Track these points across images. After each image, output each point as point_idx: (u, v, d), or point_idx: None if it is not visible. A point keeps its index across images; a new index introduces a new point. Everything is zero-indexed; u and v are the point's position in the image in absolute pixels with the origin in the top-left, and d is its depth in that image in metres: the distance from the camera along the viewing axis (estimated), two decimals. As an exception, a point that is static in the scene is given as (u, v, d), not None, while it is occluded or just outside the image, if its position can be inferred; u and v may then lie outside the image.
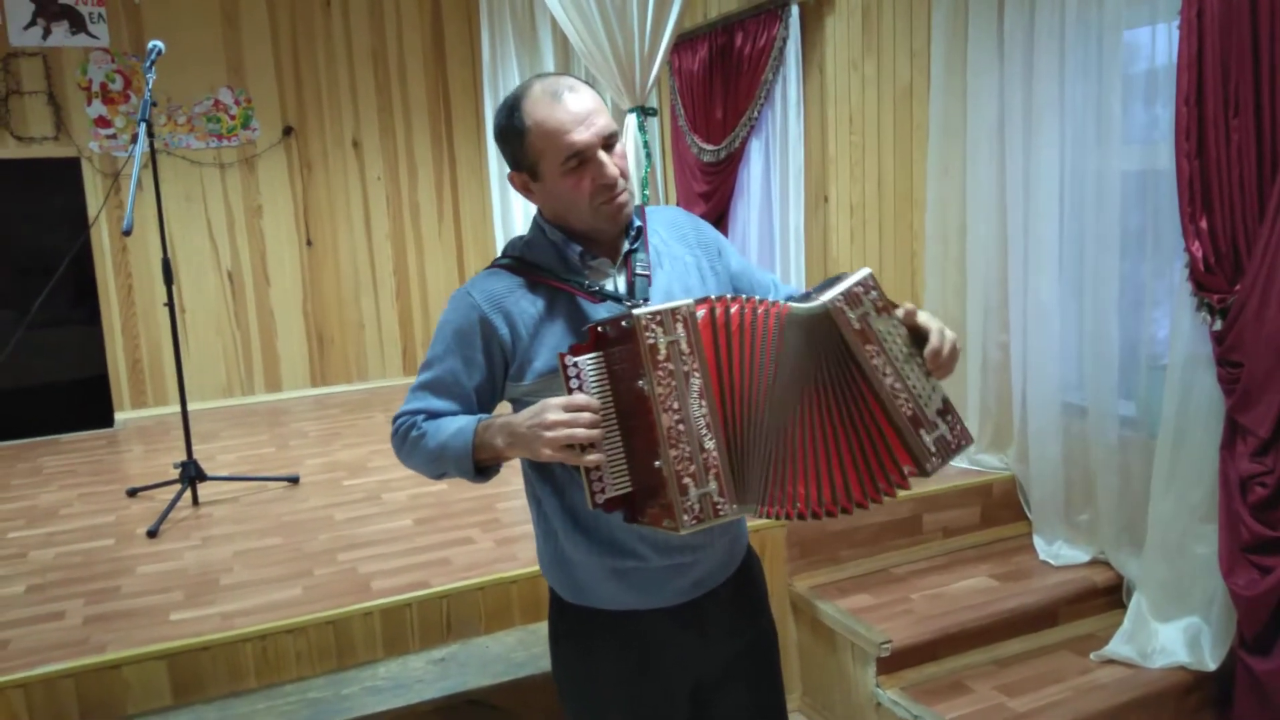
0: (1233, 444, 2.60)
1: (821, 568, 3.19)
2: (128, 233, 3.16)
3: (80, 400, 5.45)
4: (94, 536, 3.45)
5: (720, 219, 4.89)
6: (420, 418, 1.49)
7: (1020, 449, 3.37)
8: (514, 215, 5.80)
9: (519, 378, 1.47)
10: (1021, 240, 3.27)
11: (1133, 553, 3.03)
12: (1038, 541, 3.27)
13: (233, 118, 5.58)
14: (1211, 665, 2.71)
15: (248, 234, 5.75)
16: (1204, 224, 2.56)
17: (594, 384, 1.32)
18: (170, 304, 3.69)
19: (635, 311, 1.28)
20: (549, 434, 1.29)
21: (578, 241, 1.49)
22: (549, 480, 1.51)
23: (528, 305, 1.46)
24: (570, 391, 1.32)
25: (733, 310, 1.34)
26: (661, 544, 1.48)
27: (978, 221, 3.43)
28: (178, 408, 5.55)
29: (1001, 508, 3.42)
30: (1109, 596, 3.08)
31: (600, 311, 1.45)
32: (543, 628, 2.77)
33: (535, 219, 1.55)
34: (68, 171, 5.30)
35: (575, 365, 1.32)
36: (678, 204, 5.18)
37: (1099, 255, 3.03)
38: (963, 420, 1.39)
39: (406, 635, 2.71)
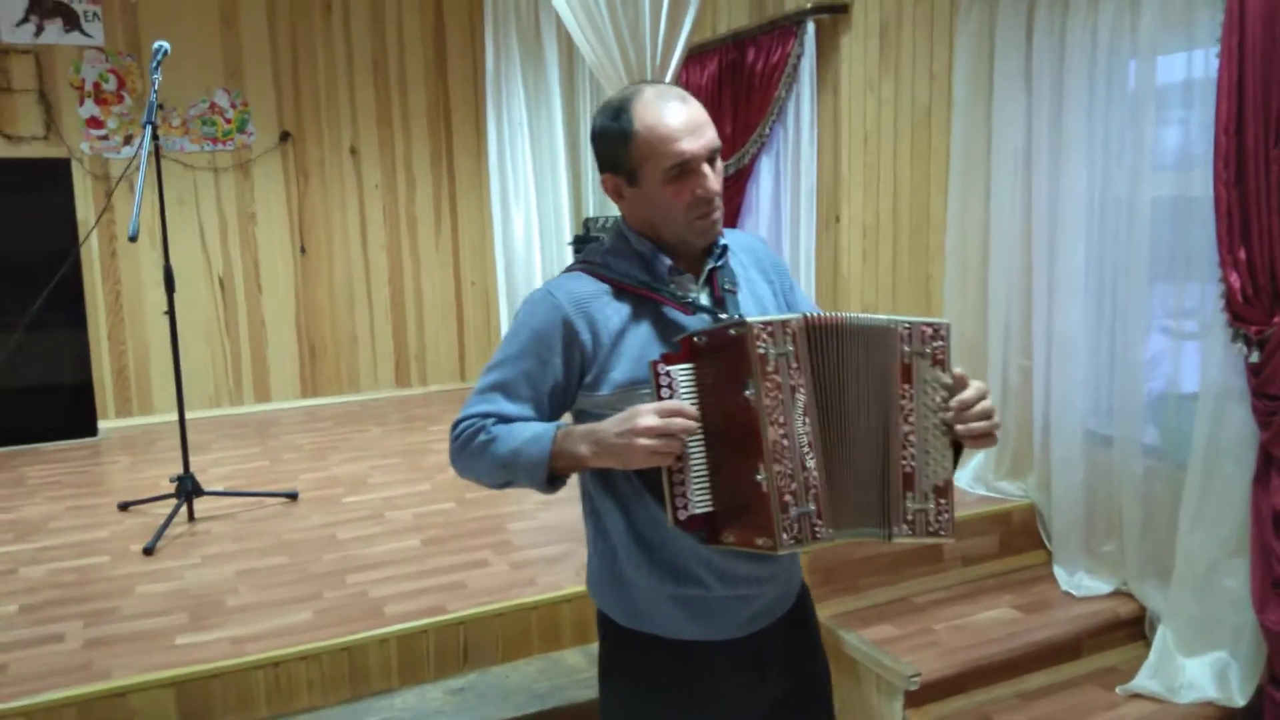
0: (1267, 477, 2.58)
1: (841, 596, 3.13)
2: (134, 238, 3.06)
3: (63, 408, 5.29)
4: (87, 553, 3.33)
5: (727, 236, 4.83)
6: (490, 421, 1.42)
7: (1041, 477, 3.33)
8: (514, 232, 5.73)
9: (594, 387, 1.40)
10: (1046, 265, 3.25)
11: (1158, 585, 2.99)
12: (1058, 571, 3.22)
13: (229, 121, 5.47)
14: (1240, 701, 2.68)
15: (240, 240, 5.63)
16: (1242, 254, 2.54)
17: (685, 395, 1.29)
18: (171, 312, 3.57)
19: (749, 319, 1.25)
20: (644, 441, 1.24)
21: (667, 254, 1.44)
22: (613, 496, 1.44)
23: (611, 313, 1.41)
24: (660, 399, 1.28)
25: (836, 327, 1.30)
26: (727, 573, 1.42)
27: (1001, 245, 3.40)
28: (164, 417, 5.46)
29: (1020, 536, 3.37)
30: (1132, 629, 3.04)
31: (692, 324, 1.40)
32: (564, 657, 2.71)
33: (618, 228, 1.50)
34: (57, 172, 5.16)
35: (668, 374, 1.28)
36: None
37: (1128, 282, 3.01)
38: (954, 515, 1.33)
39: (422, 663, 2.62)
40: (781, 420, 1.25)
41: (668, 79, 4.34)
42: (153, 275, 5.41)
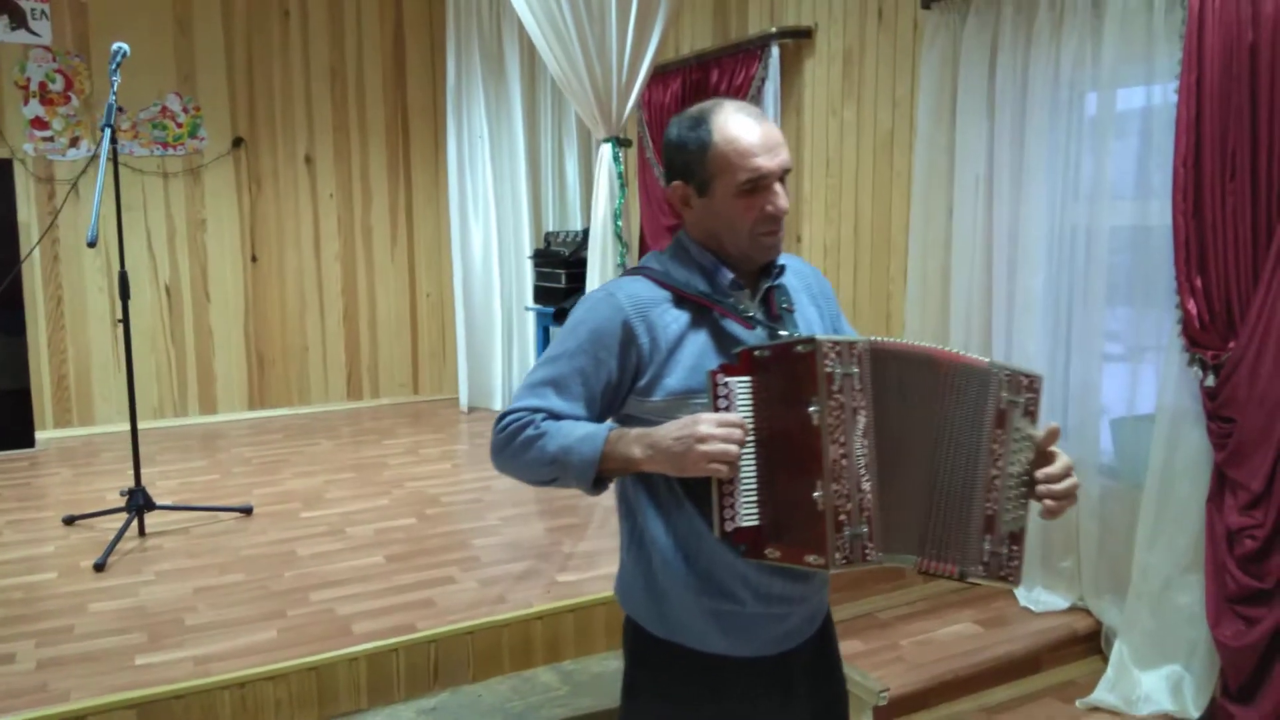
0: (1220, 497, 2.67)
1: (809, 612, 3.15)
2: (93, 244, 2.96)
3: (-2, 417, 5.09)
4: (33, 569, 3.20)
5: (689, 254, 4.87)
6: (540, 416, 1.41)
7: (1001, 495, 3.40)
8: (473, 245, 5.69)
9: (647, 392, 1.40)
10: (1006, 288, 3.33)
11: (1114, 600, 3.08)
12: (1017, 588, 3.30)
13: (180, 126, 5.34)
14: (1194, 713, 2.76)
15: (189, 247, 5.49)
16: (1199, 282, 2.64)
17: (741, 408, 1.30)
18: (125, 320, 3.46)
19: (818, 337, 1.26)
20: (703, 447, 1.25)
21: (727, 267, 1.45)
22: (654, 503, 1.44)
23: (670, 320, 1.41)
24: (718, 410, 1.29)
25: (900, 354, 1.32)
26: (762, 590, 1.42)
27: (962, 268, 3.48)
28: (104, 428, 5.29)
29: (981, 553, 3.44)
30: (1089, 643, 3.12)
31: (751, 338, 1.41)
32: (537, 675, 2.68)
33: (679, 239, 1.50)
34: (-2, 173, 4.98)
35: (727, 385, 1.30)
36: (642, 236, 5.15)
37: (1086, 306, 3.11)
38: (1023, 563, 1.36)
39: (392, 683, 2.57)
40: (842, 440, 1.26)
41: (632, 97, 4.37)
42: (96, 281, 5.25)
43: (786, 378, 1.28)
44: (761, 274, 1.48)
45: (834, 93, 4.11)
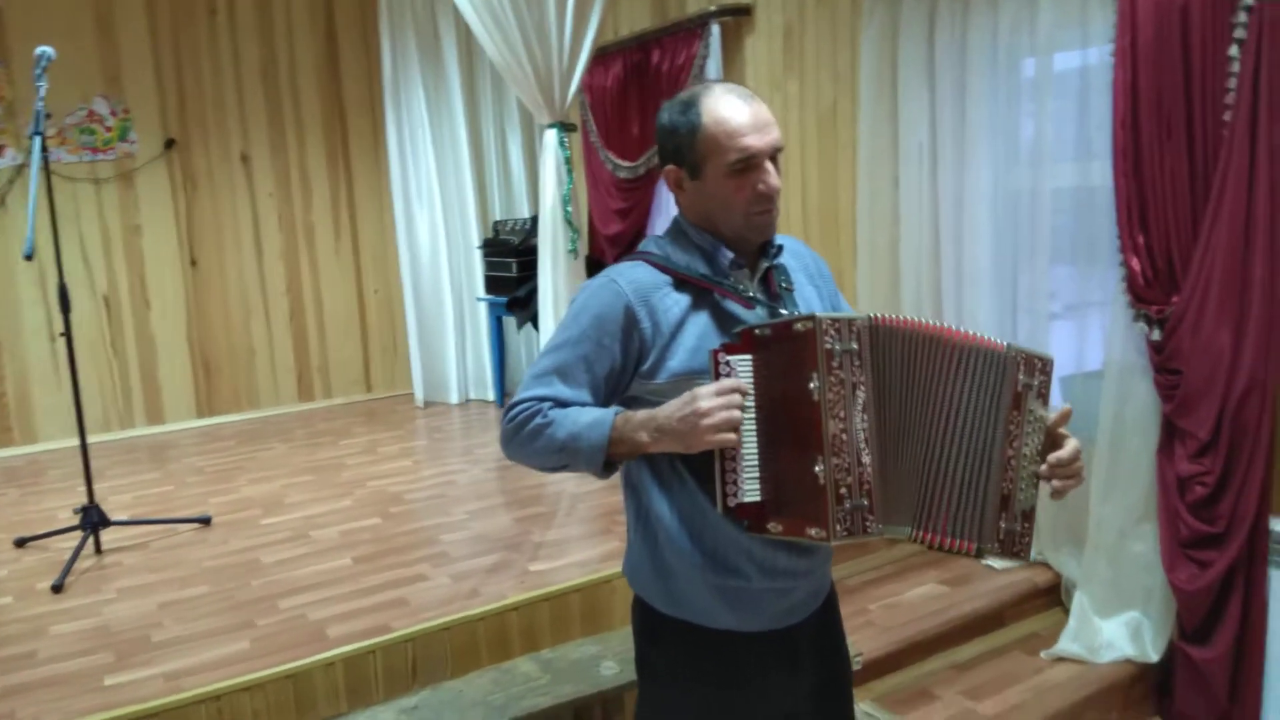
0: (1170, 447, 2.76)
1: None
2: (29, 257, 2.87)
3: (-67, 441, 4.92)
4: (-13, 595, 3.11)
5: (639, 236, 4.87)
6: (547, 405, 1.43)
7: (959, 458, 3.48)
8: (419, 237, 5.62)
9: (651, 375, 1.43)
10: (954, 254, 3.39)
11: (1072, 553, 3.17)
12: (980, 546, 3.38)
13: (109, 130, 5.17)
14: (1154, 656, 2.86)
15: (125, 254, 5.33)
16: (1141, 240, 2.71)
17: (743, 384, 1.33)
18: (67, 334, 3.36)
19: (818, 314, 1.29)
20: (708, 420, 1.28)
21: (727, 247, 1.47)
22: (659, 483, 1.46)
23: (671, 304, 1.44)
24: None
25: (899, 330, 1.34)
26: (767, 565, 1.45)
27: (910, 236, 3.53)
28: (49, 445, 5.15)
29: (943, 515, 3.52)
30: (1050, 596, 3.22)
31: (751, 318, 1.43)
32: (517, 666, 2.69)
33: (677, 222, 1.52)
34: (-84, 188, 4.79)
35: (729, 363, 1.33)
36: (591, 221, 5.14)
37: (1032, 268, 3.18)
38: (1032, 539, 1.41)
39: (371, 684, 2.55)
40: (842, 415, 1.28)
41: (574, 81, 4.34)
42: (30, 294, 5.08)
43: (787, 355, 1.31)
44: (759, 254, 1.50)
45: (776, 69, 4.12)
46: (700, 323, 1.43)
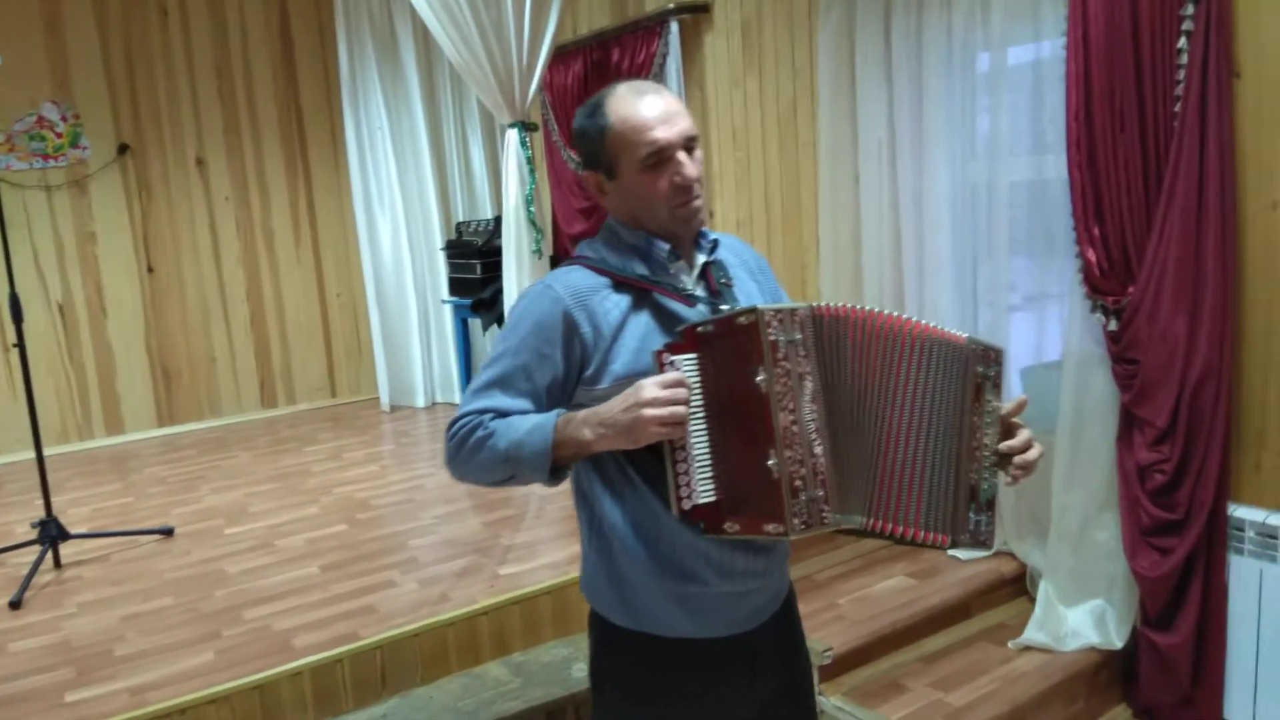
0: (1129, 435, 2.80)
1: (750, 581, 3.20)
2: (-23, 269, 2.80)
3: (-117, 457, 4.80)
4: (-59, 614, 3.04)
5: (603, 235, 4.85)
6: (488, 417, 1.40)
7: (924, 450, 3.50)
8: (381, 240, 5.57)
9: (594, 380, 1.40)
10: (915, 248, 3.42)
11: (1036, 543, 3.21)
12: (946, 538, 3.41)
13: (59, 135, 5.07)
14: (1118, 643, 2.90)
15: (80, 262, 5.24)
16: (1096, 231, 2.75)
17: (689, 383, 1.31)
18: (20, 344, 3.29)
19: (760, 306, 1.27)
20: (650, 411, 1.26)
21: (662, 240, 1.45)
22: (610, 490, 1.44)
23: (611, 306, 1.41)
24: None
25: (846, 318, 1.33)
26: (725, 568, 1.43)
27: (871, 231, 3.55)
28: (7, 458, 5.04)
29: (909, 508, 3.54)
30: (1015, 586, 3.25)
31: (691, 315, 1.41)
32: (487, 671, 2.67)
33: (609, 225, 1.50)
34: None
35: (673, 363, 1.31)
36: (555, 221, 5.12)
37: (991, 261, 3.21)
38: (995, 528, 1.41)
39: (339, 694, 2.52)
40: (791, 407, 1.27)
41: (534, 79, 4.32)
42: (-19, 305, 4.96)
43: (731, 350, 1.29)
44: (695, 249, 1.49)
45: (735, 66, 4.13)
46: (641, 323, 1.41)
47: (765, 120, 4.03)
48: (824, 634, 2.89)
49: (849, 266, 3.70)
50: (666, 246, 1.45)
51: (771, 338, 1.26)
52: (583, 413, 1.35)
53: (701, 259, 1.49)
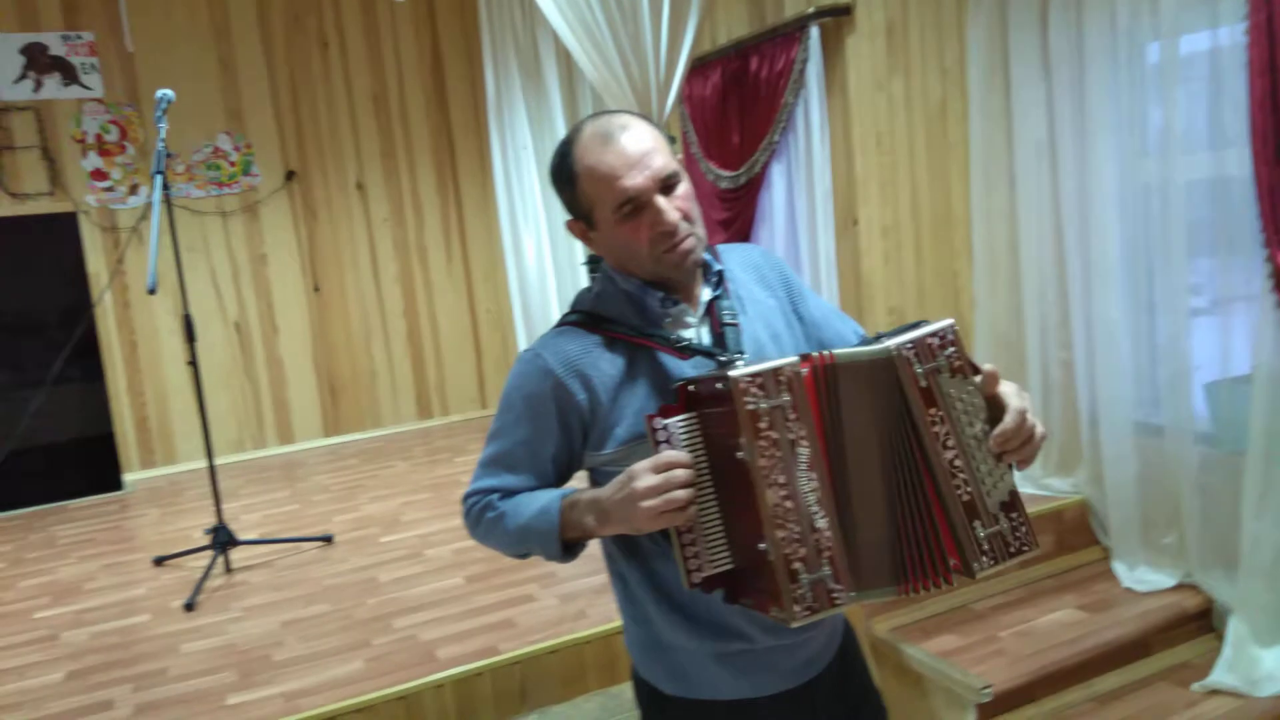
0: (1332, 458, 2.51)
1: (899, 608, 3.06)
2: (153, 291, 3.02)
3: (86, 463, 5.25)
4: (127, 613, 3.28)
5: (744, 246, 4.78)
6: (495, 497, 1.36)
7: (1092, 471, 3.26)
8: (526, 256, 5.68)
9: (599, 446, 1.32)
10: (1079, 253, 3.19)
11: (1224, 575, 2.92)
12: (1118, 567, 3.15)
13: (233, 164, 5.44)
14: (1322, 690, 2.60)
15: (253, 283, 5.59)
16: (1290, 232, 2.48)
17: (686, 448, 1.18)
18: (194, 362, 3.52)
19: (732, 374, 1.11)
20: (645, 503, 1.14)
21: (656, 286, 1.34)
22: (635, 557, 1.35)
23: (606, 366, 1.31)
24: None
25: (836, 365, 1.17)
26: (769, 623, 1.29)
27: (1030, 237, 3.35)
28: (188, 466, 5.42)
29: (1075, 533, 3.30)
30: (1200, 622, 2.97)
31: (688, 369, 1.30)
32: (624, 691, 2.64)
33: (602, 270, 1.41)
34: (64, 227, 5.13)
35: (665, 429, 1.17)
36: (696, 232, 5.08)
37: (1166, 265, 2.95)
38: (1031, 522, 1.20)
39: (481, 708, 2.55)
40: (782, 480, 1.12)
41: (672, 93, 4.30)
42: (167, 324, 5.38)
43: (718, 413, 1.15)
44: (702, 284, 1.37)
45: (879, 68, 3.98)
46: (640, 381, 1.30)
47: (912, 123, 3.86)
48: (983, 669, 2.72)
49: (1006, 274, 3.50)
50: (659, 295, 1.34)
51: (750, 406, 1.11)
52: (586, 497, 1.27)
53: (705, 296, 1.36)
